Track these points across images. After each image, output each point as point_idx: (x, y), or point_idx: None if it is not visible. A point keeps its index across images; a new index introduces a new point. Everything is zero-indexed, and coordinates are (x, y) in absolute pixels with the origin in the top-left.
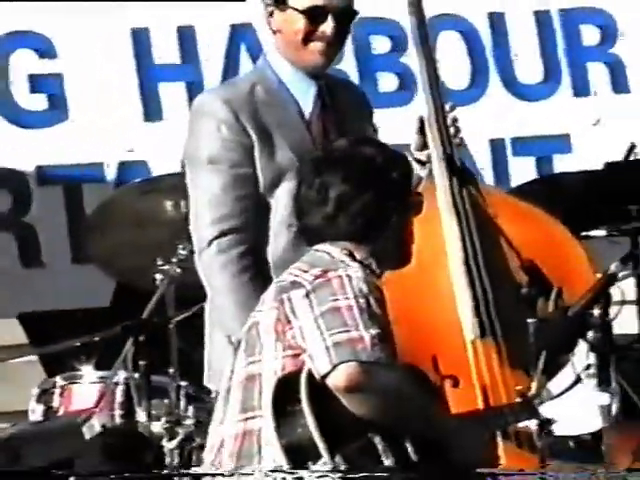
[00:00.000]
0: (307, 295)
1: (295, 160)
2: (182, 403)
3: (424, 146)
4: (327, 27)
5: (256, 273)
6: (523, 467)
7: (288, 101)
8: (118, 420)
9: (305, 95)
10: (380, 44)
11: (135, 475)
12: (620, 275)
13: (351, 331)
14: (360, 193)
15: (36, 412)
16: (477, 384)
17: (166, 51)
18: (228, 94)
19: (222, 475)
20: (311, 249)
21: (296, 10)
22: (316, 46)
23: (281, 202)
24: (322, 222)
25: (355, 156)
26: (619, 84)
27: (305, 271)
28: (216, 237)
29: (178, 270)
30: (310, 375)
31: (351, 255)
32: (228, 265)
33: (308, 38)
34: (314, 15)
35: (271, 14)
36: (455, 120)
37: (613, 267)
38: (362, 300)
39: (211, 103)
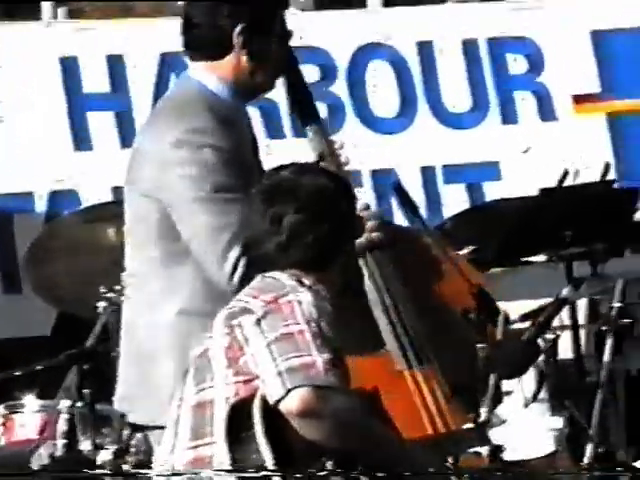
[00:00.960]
0: (258, 321)
1: None
2: (125, 432)
3: None
4: (285, 52)
5: None
6: None
7: (244, 125)
8: (61, 450)
9: (248, 120)
10: (310, 73)
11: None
12: (570, 299)
13: (304, 356)
14: (314, 223)
15: None
16: (423, 413)
17: (95, 80)
18: (207, 121)
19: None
20: (259, 276)
21: (281, 37)
22: (279, 71)
23: None
24: (275, 251)
25: (305, 186)
26: (546, 112)
27: (255, 297)
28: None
29: (122, 297)
30: (263, 400)
31: (299, 281)
32: None
33: (280, 63)
34: (288, 41)
35: (250, 38)
36: (347, 161)
37: (565, 292)
38: (314, 324)
39: (201, 133)
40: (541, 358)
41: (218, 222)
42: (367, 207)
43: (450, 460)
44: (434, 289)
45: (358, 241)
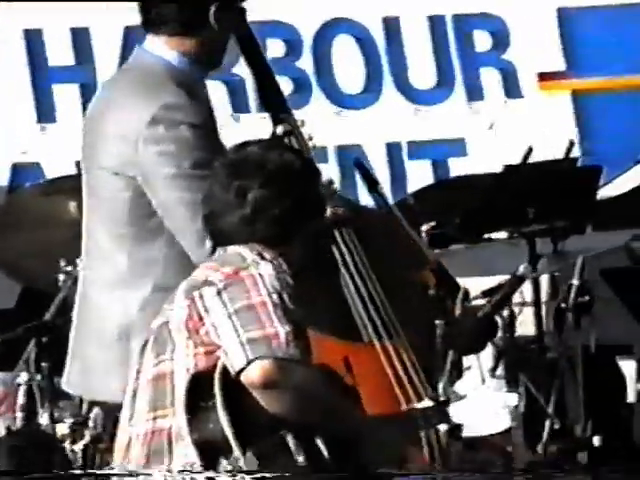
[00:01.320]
0: (219, 293)
1: None
2: (85, 405)
3: None
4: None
5: None
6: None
7: (207, 99)
8: (19, 422)
9: (208, 95)
10: (275, 48)
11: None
12: (529, 276)
13: (266, 327)
14: (279, 199)
15: None
16: (388, 385)
17: (60, 53)
18: (180, 97)
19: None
20: (220, 249)
21: (243, 11)
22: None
23: None
24: (239, 225)
25: (272, 161)
26: (512, 89)
27: (216, 270)
28: None
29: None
30: (224, 371)
31: (260, 255)
32: None
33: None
34: (245, 17)
35: (224, 15)
36: (310, 137)
37: (522, 269)
38: (275, 296)
39: (176, 109)
40: (499, 334)
41: (197, 199)
42: (331, 182)
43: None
44: (396, 265)
45: (325, 217)
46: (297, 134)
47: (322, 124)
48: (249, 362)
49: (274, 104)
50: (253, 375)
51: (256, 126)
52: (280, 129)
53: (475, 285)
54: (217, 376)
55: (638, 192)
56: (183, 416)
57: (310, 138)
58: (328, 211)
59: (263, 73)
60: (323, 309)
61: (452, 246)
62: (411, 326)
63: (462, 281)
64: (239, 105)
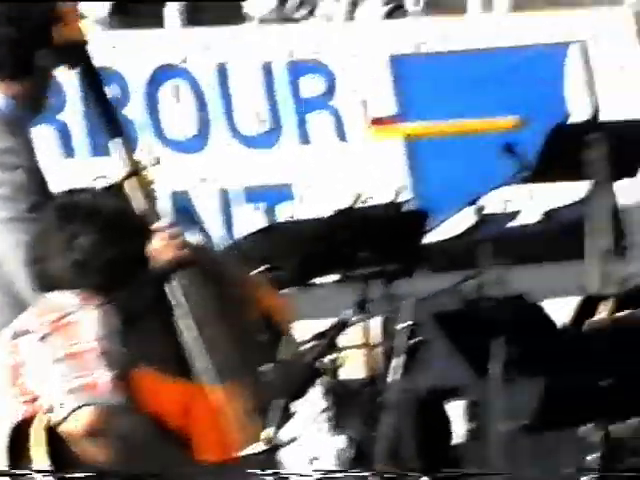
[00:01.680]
0: (42, 340)
1: None
2: None
3: None
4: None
5: None
6: None
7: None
8: None
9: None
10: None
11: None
12: (352, 320)
13: (89, 375)
14: (110, 244)
15: None
16: (224, 430)
17: None
18: (13, 141)
19: None
20: (44, 295)
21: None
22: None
23: None
24: (68, 270)
25: (104, 207)
26: (342, 134)
27: (39, 316)
28: None
29: None
30: (47, 422)
31: (86, 300)
32: None
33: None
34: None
35: (52, 61)
36: (152, 181)
37: (346, 313)
38: (100, 343)
39: (11, 153)
40: (327, 378)
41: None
42: (173, 225)
43: None
44: (232, 308)
45: (164, 259)
46: (139, 177)
47: (154, 169)
48: (70, 412)
49: (109, 124)
50: (74, 425)
51: (82, 171)
52: (122, 172)
53: (306, 328)
54: (36, 427)
55: (468, 234)
56: (5, 467)
57: (151, 182)
58: (169, 253)
59: (107, 111)
60: (160, 353)
61: (284, 289)
62: (244, 369)
63: (294, 324)
64: (67, 150)
